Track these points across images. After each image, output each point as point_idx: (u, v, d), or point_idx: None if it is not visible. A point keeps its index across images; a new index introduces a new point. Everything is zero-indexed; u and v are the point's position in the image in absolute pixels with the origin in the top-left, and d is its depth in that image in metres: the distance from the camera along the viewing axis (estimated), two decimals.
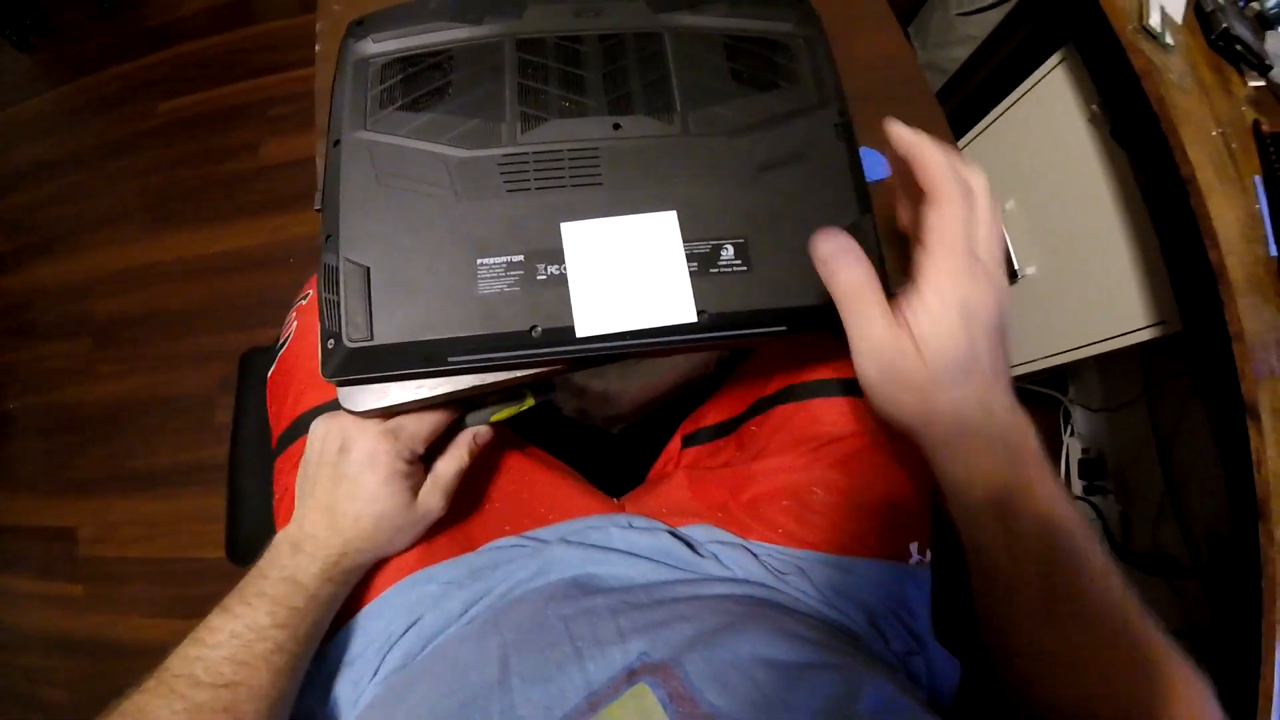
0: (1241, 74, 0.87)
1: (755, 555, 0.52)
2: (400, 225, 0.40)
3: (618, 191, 0.42)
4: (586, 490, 0.62)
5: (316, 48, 0.58)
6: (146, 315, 1.75)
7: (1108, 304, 1.01)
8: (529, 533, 0.54)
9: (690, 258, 0.40)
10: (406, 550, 0.50)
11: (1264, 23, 0.90)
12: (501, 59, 0.45)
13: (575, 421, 0.78)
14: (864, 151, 0.47)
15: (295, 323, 0.58)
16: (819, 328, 0.41)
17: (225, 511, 0.79)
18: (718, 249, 0.41)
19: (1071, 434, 1.41)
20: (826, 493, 0.53)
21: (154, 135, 1.91)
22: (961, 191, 0.35)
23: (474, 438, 0.50)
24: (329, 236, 0.41)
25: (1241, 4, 0.91)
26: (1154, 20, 0.81)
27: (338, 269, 0.39)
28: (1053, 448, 1.39)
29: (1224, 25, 0.84)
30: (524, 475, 0.59)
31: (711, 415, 0.69)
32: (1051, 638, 0.37)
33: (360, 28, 0.47)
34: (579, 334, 0.39)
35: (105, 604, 1.53)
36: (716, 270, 0.41)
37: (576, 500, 0.59)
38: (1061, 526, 0.36)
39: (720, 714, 0.34)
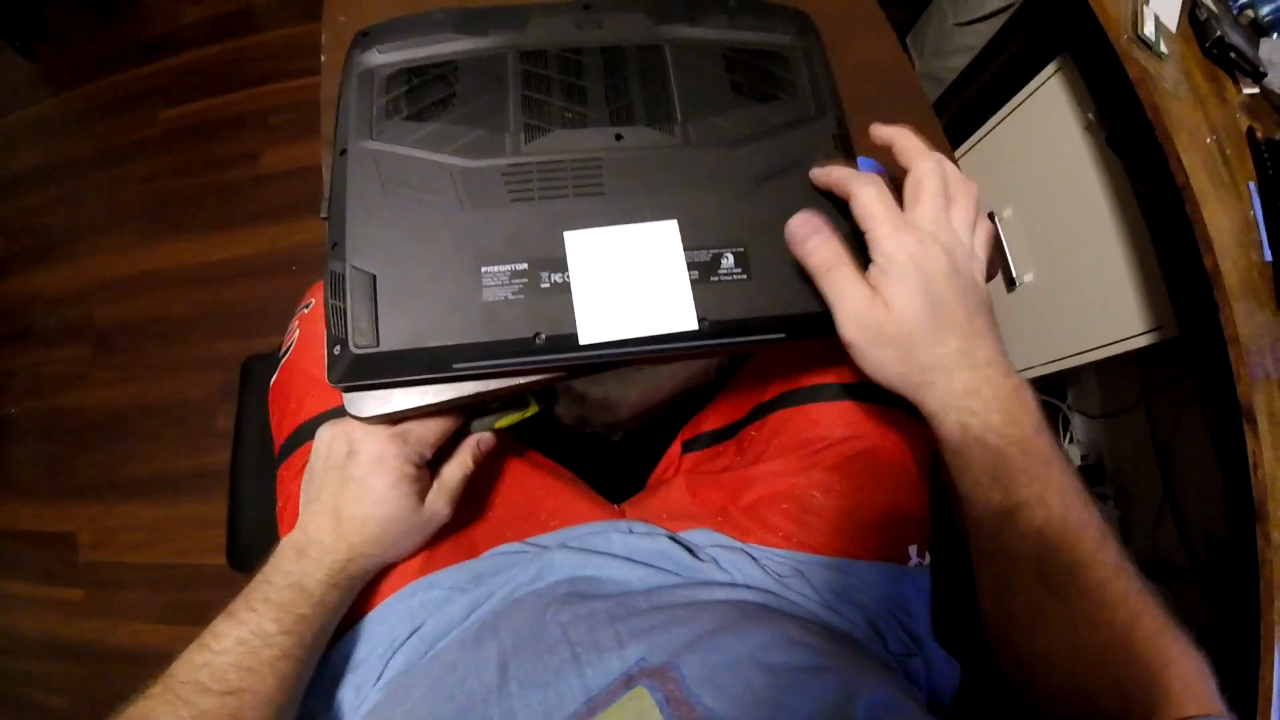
0: (1235, 81, 0.88)
1: (755, 559, 0.53)
2: (405, 233, 0.41)
3: (620, 201, 0.42)
4: (588, 496, 0.62)
5: (322, 58, 0.59)
6: (147, 322, 1.75)
7: (1105, 310, 1.02)
8: (531, 539, 0.54)
9: (691, 266, 0.41)
10: (411, 556, 0.50)
11: (1257, 30, 0.91)
12: (505, 70, 0.46)
13: (576, 429, 0.79)
14: (862, 161, 0.47)
15: (297, 331, 0.58)
16: (817, 334, 0.42)
17: (226, 517, 0.79)
18: (718, 257, 0.41)
19: (1070, 440, 1.42)
20: (825, 496, 0.54)
21: (154, 143, 1.92)
22: (920, 173, 0.40)
23: (478, 444, 0.51)
24: (335, 244, 0.41)
25: (1235, 11, 0.92)
26: (1148, 29, 0.82)
27: (344, 276, 0.40)
28: None
29: (1218, 33, 0.85)
30: (526, 482, 0.59)
31: (711, 421, 0.69)
32: (1051, 606, 0.38)
33: (366, 39, 0.48)
34: (582, 341, 0.39)
35: (104, 609, 1.53)
36: (717, 279, 0.41)
37: (578, 506, 0.59)
38: (1059, 493, 0.37)
39: (716, 717, 0.34)
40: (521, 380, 0.43)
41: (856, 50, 0.62)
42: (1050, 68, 1.07)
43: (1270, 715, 0.62)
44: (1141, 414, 1.24)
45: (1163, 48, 0.83)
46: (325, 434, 0.46)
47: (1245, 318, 0.71)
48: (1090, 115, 1.00)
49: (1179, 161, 0.75)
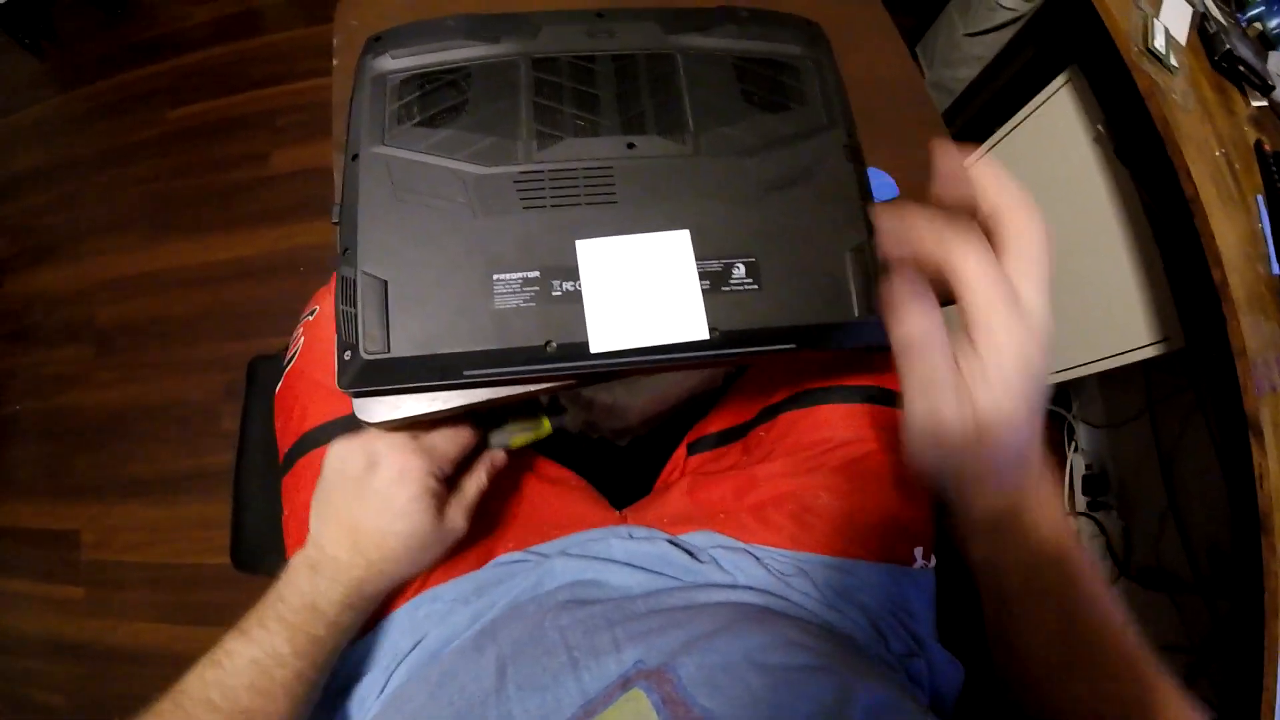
0: (1244, 94, 0.88)
1: (758, 559, 0.53)
2: (417, 240, 0.41)
3: (632, 210, 0.42)
4: (591, 502, 0.62)
5: (334, 62, 0.58)
6: (149, 322, 1.75)
7: (1112, 321, 1.01)
8: (533, 548, 0.54)
9: (702, 276, 0.41)
10: (429, 570, 0.50)
11: (1266, 43, 0.91)
12: (517, 77, 0.46)
13: (584, 435, 0.79)
14: (872, 172, 0.47)
15: (302, 338, 0.58)
16: (828, 346, 0.42)
17: (231, 518, 0.79)
18: (729, 267, 0.41)
19: (1075, 450, 1.42)
20: (831, 497, 0.54)
21: (161, 143, 1.92)
22: (1029, 237, 0.31)
23: (492, 460, 0.51)
24: (346, 250, 0.41)
25: (1244, 25, 0.93)
26: (1158, 42, 0.82)
27: (355, 282, 0.40)
28: (1056, 464, 1.39)
29: (1227, 46, 0.85)
30: (532, 493, 0.59)
31: (717, 423, 0.69)
32: (1066, 657, 0.37)
33: (379, 44, 0.47)
34: (593, 350, 0.39)
35: (105, 608, 1.52)
36: (728, 289, 0.41)
37: (581, 513, 0.59)
38: (1071, 555, 0.36)
39: (713, 717, 0.34)
40: (531, 388, 0.43)
41: (867, 61, 0.62)
42: (1060, 79, 1.07)
43: None
44: (1146, 424, 1.24)
45: (1172, 60, 0.83)
46: (338, 449, 0.45)
47: (1252, 330, 0.71)
48: (1099, 127, 1.00)
49: (1188, 174, 0.75)
